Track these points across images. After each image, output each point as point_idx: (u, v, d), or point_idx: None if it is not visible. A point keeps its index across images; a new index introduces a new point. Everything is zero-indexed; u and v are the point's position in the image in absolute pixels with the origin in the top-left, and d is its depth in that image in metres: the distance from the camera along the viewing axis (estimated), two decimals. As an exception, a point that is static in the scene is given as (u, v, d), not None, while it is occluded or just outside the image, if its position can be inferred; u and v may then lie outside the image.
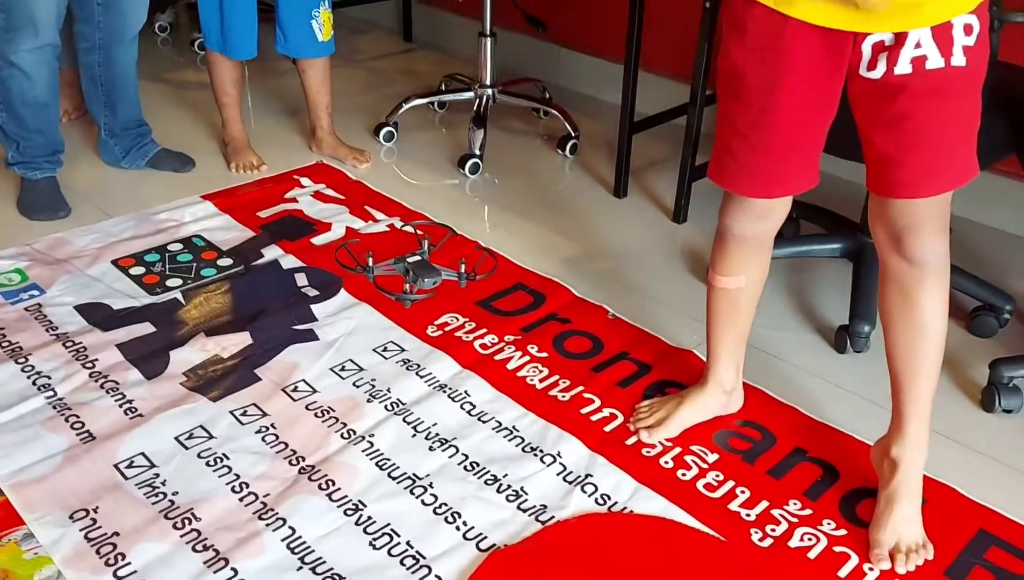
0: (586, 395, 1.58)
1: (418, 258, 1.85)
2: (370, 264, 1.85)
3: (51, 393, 1.53)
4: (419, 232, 2.03)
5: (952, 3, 1.05)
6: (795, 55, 1.14)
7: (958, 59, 1.07)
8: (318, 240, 2.05)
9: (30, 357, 1.61)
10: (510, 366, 1.64)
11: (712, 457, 1.45)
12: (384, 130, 2.59)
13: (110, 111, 2.27)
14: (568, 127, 2.56)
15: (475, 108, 2.54)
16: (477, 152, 2.44)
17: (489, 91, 2.59)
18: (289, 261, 1.96)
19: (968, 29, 1.07)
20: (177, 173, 2.34)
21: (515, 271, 1.96)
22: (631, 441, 1.48)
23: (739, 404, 1.55)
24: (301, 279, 1.90)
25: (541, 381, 1.61)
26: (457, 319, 1.78)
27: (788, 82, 1.16)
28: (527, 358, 1.67)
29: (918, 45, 1.07)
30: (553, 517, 1.33)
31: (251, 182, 2.32)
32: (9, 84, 2.01)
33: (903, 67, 1.08)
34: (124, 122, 2.29)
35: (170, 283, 1.86)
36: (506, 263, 1.98)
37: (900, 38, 1.08)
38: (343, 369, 1.62)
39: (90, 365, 1.60)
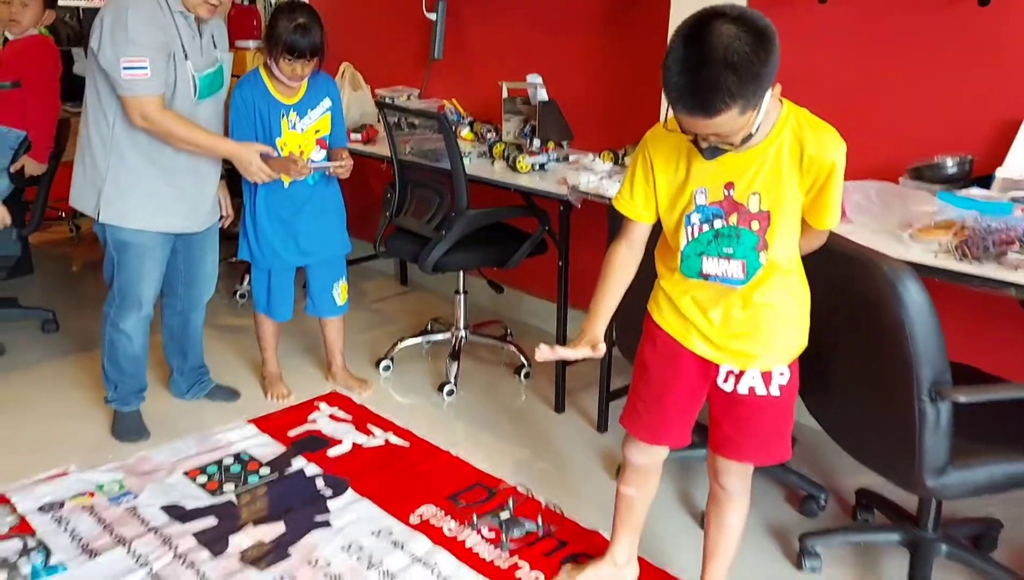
0: (520, 563, 2.26)
1: (507, 515, 2.44)
2: (475, 520, 2.42)
3: (148, 568, 2.20)
4: (502, 491, 2.55)
5: (772, 360, 1.78)
6: (683, 367, 1.86)
7: (775, 391, 1.78)
8: (332, 452, 2.79)
9: (131, 544, 2.30)
10: (468, 544, 2.33)
11: (602, 604, 2.11)
12: (383, 363, 3.41)
13: (181, 358, 3.08)
14: (522, 358, 3.37)
15: (452, 346, 3.37)
16: (451, 380, 3.23)
17: (463, 332, 3.42)
18: (311, 469, 2.69)
19: (782, 374, 1.78)
20: (227, 403, 3.11)
21: (476, 473, 2.68)
22: (548, 594, 2.15)
23: (634, 575, 2.19)
24: (320, 483, 2.62)
25: (489, 554, 2.29)
26: (431, 509, 2.48)
27: (676, 384, 1.88)
28: (480, 538, 2.36)
29: (752, 378, 1.78)
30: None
31: (282, 408, 3.09)
32: (116, 344, 2.82)
33: (743, 389, 1.79)
34: (191, 366, 3.10)
35: (226, 488, 2.58)
36: (467, 466, 2.71)
37: (742, 372, 1.78)
38: (349, 547, 2.31)
39: (173, 548, 2.29)
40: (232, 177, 2.88)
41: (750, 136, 1.53)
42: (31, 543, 2.30)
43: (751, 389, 1.79)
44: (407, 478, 2.65)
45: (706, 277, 1.72)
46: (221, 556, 2.26)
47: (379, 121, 3.75)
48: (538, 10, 3.59)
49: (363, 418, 3.03)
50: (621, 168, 3.03)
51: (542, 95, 3.26)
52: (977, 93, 2.48)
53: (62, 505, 2.47)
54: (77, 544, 2.30)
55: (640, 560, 2.22)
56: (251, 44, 4.41)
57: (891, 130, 2.66)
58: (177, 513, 2.45)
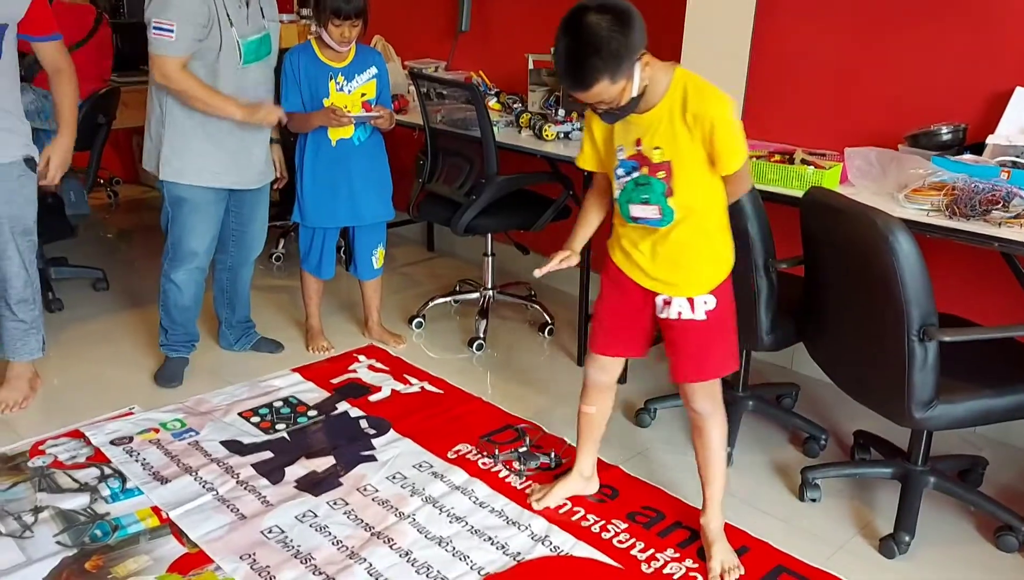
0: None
1: (524, 449, 2.71)
2: (497, 454, 2.69)
3: (215, 492, 2.46)
4: (525, 430, 2.83)
5: (693, 289, 2.05)
6: (627, 290, 2.15)
7: (700, 315, 2.06)
8: (373, 398, 3.04)
9: (198, 472, 2.55)
10: (500, 475, 2.58)
11: (623, 525, 2.36)
12: (415, 320, 3.64)
13: (230, 311, 3.32)
14: (546, 317, 3.60)
15: (480, 305, 3.60)
16: (481, 336, 3.46)
17: (490, 292, 3.65)
18: (355, 412, 2.94)
19: (706, 302, 2.06)
20: (272, 354, 3.36)
21: (505, 416, 2.92)
22: (575, 517, 2.39)
23: (595, 487, 2.47)
24: (364, 423, 2.86)
25: (517, 483, 2.54)
26: (467, 447, 2.73)
27: (622, 303, 2.17)
28: (509, 471, 2.60)
29: (680, 305, 2.07)
30: (524, 558, 2.22)
31: (324, 359, 3.33)
32: (168, 293, 3.06)
33: (672, 314, 2.08)
34: (239, 319, 3.34)
35: (278, 427, 2.83)
36: (498, 411, 2.95)
37: (670, 300, 2.08)
38: (394, 477, 2.56)
39: (235, 476, 2.54)
40: (286, 144, 3.11)
41: (635, 100, 1.88)
42: (107, 470, 2.55)
43: (679, 313, 2.08)
44: (443, 420, 2.90)
45: (635, 220, 2.05)
46: (279, 484, 2.51)
47: (408, 92, 3.97)
48: (561, -13, 3.77)
49: (400, 369, 3.27)
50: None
51: (566, 68, 3.45)
52: (971, 66, 2.68)
53: (131, 439, 2.72)
54: (149, 472, 2.55)
55: (649, 486, 2.49)
56: (284, 18, 4.61)
57: (891, 101, 2.85)
58: (236, 447, 2.70)
